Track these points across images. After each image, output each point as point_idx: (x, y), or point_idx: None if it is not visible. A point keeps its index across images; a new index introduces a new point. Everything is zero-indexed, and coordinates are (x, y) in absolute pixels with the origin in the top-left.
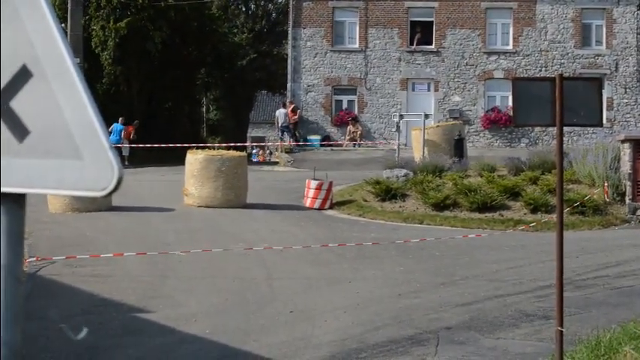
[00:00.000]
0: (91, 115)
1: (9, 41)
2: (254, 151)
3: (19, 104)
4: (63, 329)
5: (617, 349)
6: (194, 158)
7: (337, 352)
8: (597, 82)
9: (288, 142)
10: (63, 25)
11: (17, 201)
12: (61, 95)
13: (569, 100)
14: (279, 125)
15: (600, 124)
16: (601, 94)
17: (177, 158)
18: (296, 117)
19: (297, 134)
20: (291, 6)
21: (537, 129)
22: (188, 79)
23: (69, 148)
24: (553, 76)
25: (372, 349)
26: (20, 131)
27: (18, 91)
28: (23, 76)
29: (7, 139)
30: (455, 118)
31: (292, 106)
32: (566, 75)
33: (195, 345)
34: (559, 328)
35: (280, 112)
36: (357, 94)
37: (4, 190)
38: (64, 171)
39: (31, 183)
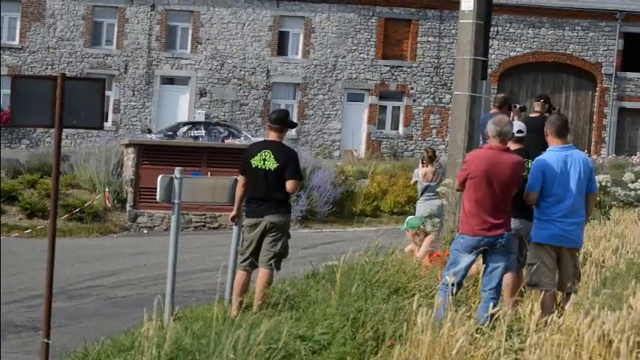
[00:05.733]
0: None
1: None
2: None
3: None
4: None
5: None
6: None
7: None
8: (100, 83)
9: None
10: None
11: None
12: None
13: (71, 100)
14: None
15: (101, 127)
16: (104, 96)
17: None
18: None
19: None
20: None
21: (39, 130)
22: None
23: None
24: (57, 74)
25: None
26: None
27: None
28: None
29: None
30: None
31: None
32: (73, 74)
33: None
34: (45, 340)
35: None
36: None
37: None
38: None
39: None
